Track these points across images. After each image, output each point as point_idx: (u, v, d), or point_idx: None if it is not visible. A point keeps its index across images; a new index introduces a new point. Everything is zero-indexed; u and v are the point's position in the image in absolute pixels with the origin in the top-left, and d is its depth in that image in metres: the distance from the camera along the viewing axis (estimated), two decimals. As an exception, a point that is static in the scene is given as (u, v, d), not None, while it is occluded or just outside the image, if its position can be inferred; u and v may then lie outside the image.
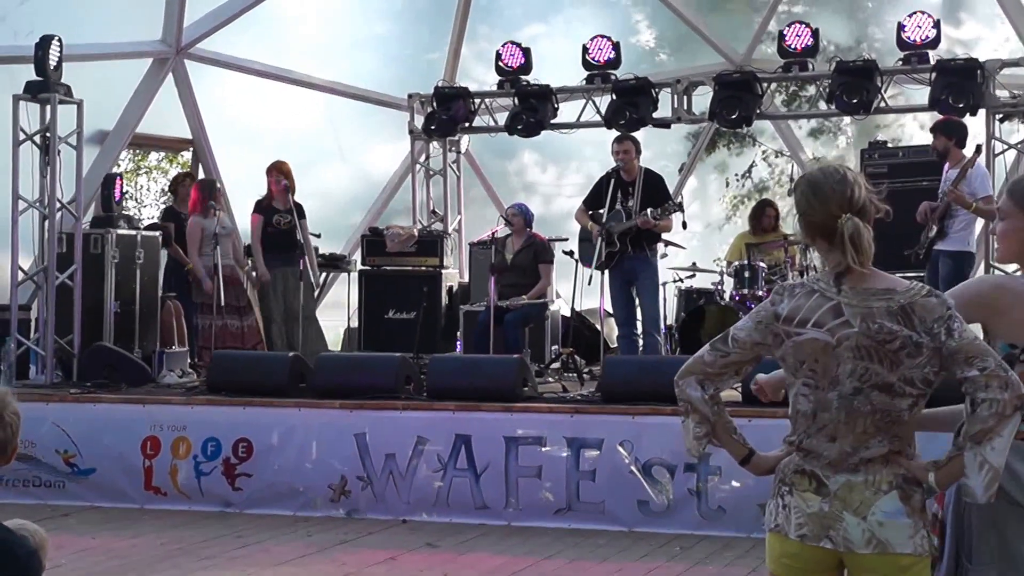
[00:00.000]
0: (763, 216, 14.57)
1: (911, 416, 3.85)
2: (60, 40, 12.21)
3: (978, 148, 11.66)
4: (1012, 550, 4.03)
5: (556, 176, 18.88)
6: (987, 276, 4.10)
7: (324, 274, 15.31)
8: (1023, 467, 3.98)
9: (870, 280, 3.87)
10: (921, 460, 3.87)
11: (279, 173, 13.23)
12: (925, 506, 3.88)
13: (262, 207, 13.27)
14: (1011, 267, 4.47)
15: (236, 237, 13.50)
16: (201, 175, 15.53)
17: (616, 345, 12.86)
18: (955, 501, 4.06)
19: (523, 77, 14.35)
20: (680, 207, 12.27)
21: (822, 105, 14.09)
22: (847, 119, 18.29)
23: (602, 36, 14.20)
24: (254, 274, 13.64)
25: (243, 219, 13.73)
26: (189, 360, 13.24)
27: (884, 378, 3.81)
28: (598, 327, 13.27)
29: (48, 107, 12.31)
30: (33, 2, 12.95)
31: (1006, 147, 12.86)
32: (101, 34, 13.81)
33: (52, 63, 12.12)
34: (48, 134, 12.33)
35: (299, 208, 13.35)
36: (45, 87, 12.19)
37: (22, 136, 12.25)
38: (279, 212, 13.10)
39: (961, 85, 12.57)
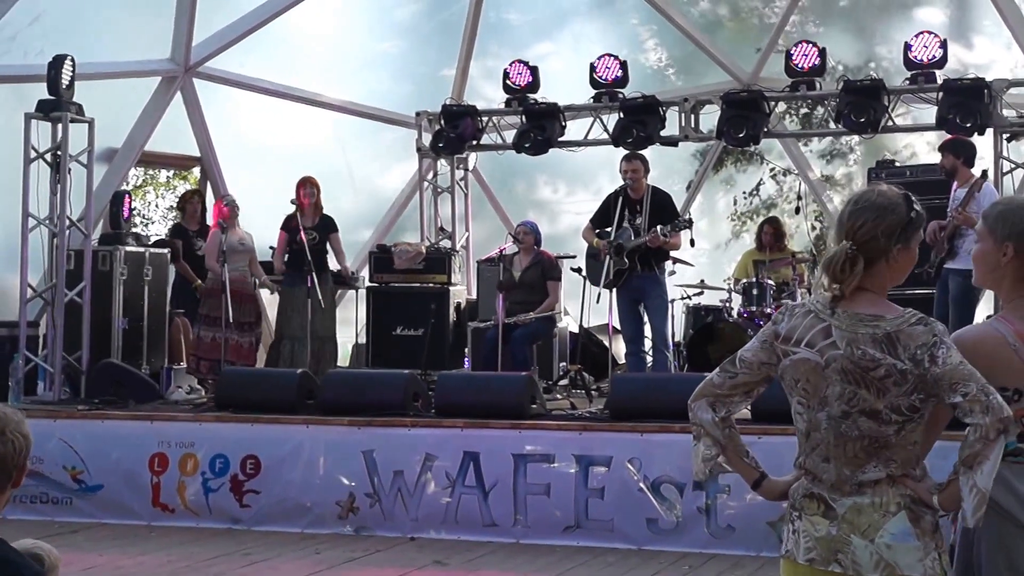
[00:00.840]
0: (761, 234, 14.58)
1: (898, 440, 3.82)
2: (73, 59, 12.26)
3: (984, 173, 11.62)
4: (1021, 573, 3.98)
5: (563, 194, 18.87)
6: (956, 337, 4.04)
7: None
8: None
9: (863, 305, 3.88)
10: (929, 481, 3.85)
11: (311, 187, 13.23)
12: (937, 528, 3.85)
13: (289, 225, 13.25)
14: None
15: (254, 254, 13.43)
16: (209, 192, 15.57)
17: (624, 362, 12.83)
18: (961, 529, 4.03)
19: (531, 95, 14.37)
20: (690, 224, 12.27)
21: (831, 125, 14.06)
22: (856, 139, 18.30)
23: (610, 55, 14.23)
24: (269, 289, 13.64)
25: (252, 234, 13.68)
26: (185, 368, 13.24)
27: (871, 404, 3.80)
28: (606, 344, 13.26)
29: (60, 126, 12.36)
30: (44, 22, 12.99)
31: (1013, 166, 12.85)
32: (110, 53, 13.82)
33: (65, 82, 12.18)
34: (59, 152, 12.38)
35: (330, 222, 13.36)
36: (57, 106, 12.25)
37: (33, 154, 12.29)
38: (305, 228, 13.05)
39: (968, 104, 12.56)
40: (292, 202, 13.10)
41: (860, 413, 3.81)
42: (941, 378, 3.72)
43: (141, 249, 13.42)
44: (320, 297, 12.99)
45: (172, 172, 25.44)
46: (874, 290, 3.90)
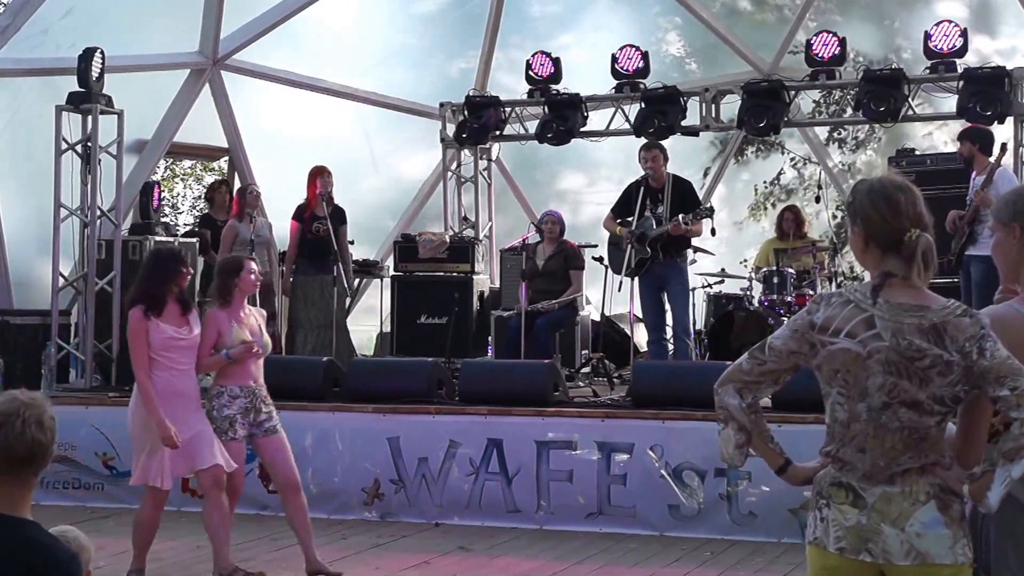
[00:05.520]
0: (782, 221, 14.54)
1: (938, 432, 3.82)
2: (103, 52, 12.30)
3: (1003, 146, 11.60)
4: None
5: (585, 184, 18.85)
6: (985, 311, 4.02)
7: (357, 280, 15.26)
8: None
9: (907, 295, 3.85)
10: (958, 470, 3.83)
11: (321, 176, 13.22)
12: (964, 515, 3.84)
13: (301, 214, 13.25)
14: None
15: (272, 246, 13.44)
16: (237, 183, 15.59)
17: (646, 350, 12.83)
18: (971, 514, 4.00)
19: (553, 86, 14.34)
20: (711, 212, 12.23)
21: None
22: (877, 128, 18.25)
23: (631, 45, 14.20)
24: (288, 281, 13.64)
25: (277, 225, 13.70)
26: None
27: (913, 395, 3.79)
28: (628, 332, 13.25)
29: (90, 117, 12.41)
30: (75, 16, 13.02)
31: (1033, 154, 12.78)
32: (140, 46, 13.85)
33: (95, 74, 12.23)
34: (89, 144, 12.43)
35: (341, 213, 13.36)
36: (87, 98, 12.30)
37: (64, 146, 12.35)
38: (318, 218, 13.04)
39: (988, 93, 12.51)
40: (320, 195, 13.01)
41: (901, 404, 3.79)
42: (988, 371, 3.71)
43: (170, 239, 13.43)
44: (346, 285, 13.00)
45: (196, 162, 25.46)
46: (923, 279, 3.87)
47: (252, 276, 8.29)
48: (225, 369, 8.21)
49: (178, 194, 28.60)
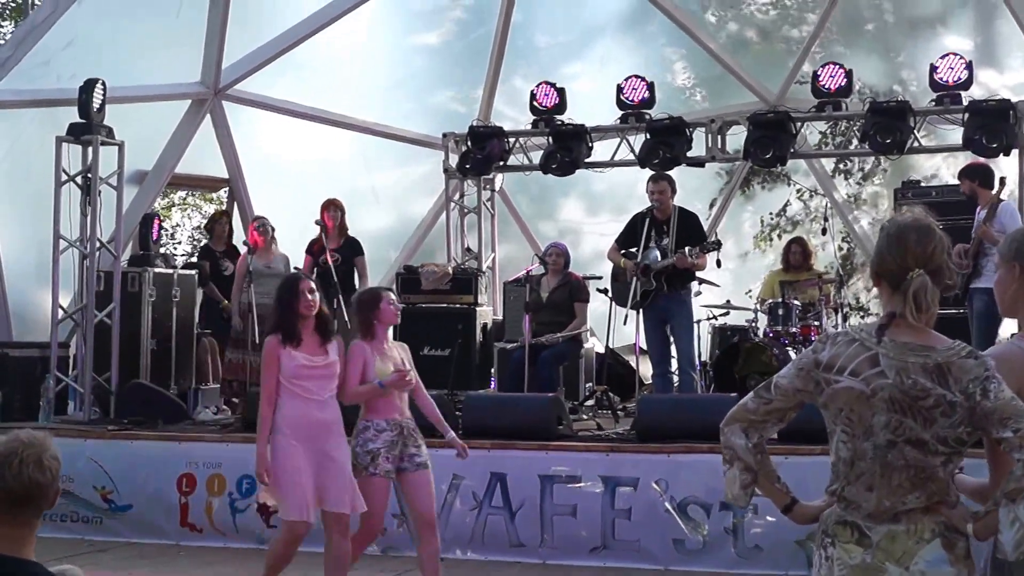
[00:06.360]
0: (788, 254, 14.58)
1: (944, 472, 3.82)
2: (104, 83, 12.36)
3: (1002, 180, 11.66)
4: None
5: (587, 215, 18.90)
6: (988, 352, 4.02)
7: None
8: None
9: (912, 335, 3.85)
10: (963, 509, 3.84)
11: (335, 209, 13.29)
12: (970, 553, 3.83)
13: (312, 248, 13.30)
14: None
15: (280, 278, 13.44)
16: (236, 213, 15.64)
17: (651, 382, 12.83)
18: (992, 560, 4.00)
19: (557, 116, 14.38)
20: (718, 246, 12.25)
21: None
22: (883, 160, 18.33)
23: (636, 76, 14.23)
24: None
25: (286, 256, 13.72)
26: (219, 389, 13.30)
27: (917, 434, 3.79)
28: (632, 364, 13.25)
29: (90, 148, 12.47)
30: (76, 47, 13.09)
31: (1040, 187, 12.83)
32: (141, 76, 13.92)
33: (96, 105, 12.30)
34: (89, 175, 12.49)
35: (355, 244, 13.45)
36: (88, 129, 12.38)
37: (64, 177, 12.41)
38: (330, 250, 13.08)
39: (994, 126, 12.57)
40: (317, 223, 13.14)
41: (906, 443, 3.79)
42: (992, 412, 3.71)
43: (170, 270, 13.49)
44: (347, 319, 13.01)
45: (195, 192, 25.49)
46: (928, 318, 3.87)
47: (391, 307, 8.19)
48: (372, 403, 8.05)
49: (176, 224, 28.66)
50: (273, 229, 13.41)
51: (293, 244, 13.66)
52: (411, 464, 8.07)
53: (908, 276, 3.85)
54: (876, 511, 3.84)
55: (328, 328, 8.05)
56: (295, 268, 13.64)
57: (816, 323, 12.95)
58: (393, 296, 8.32)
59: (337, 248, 13.21)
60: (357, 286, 13.67)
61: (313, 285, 8.06)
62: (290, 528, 7.96)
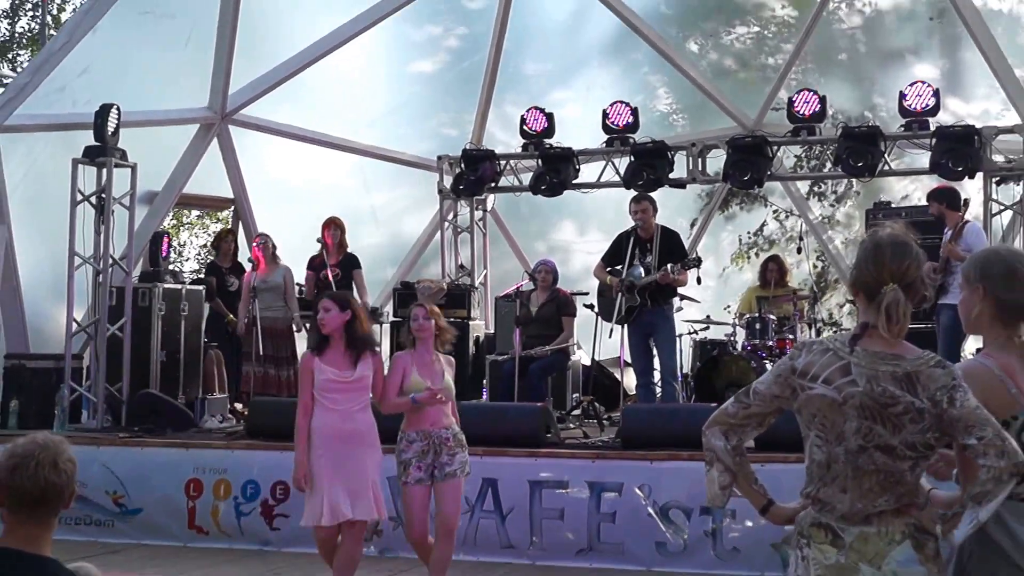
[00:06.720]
0: (766, 271, 14.64)
1: (912, 476, 3.84)
2: (118, 108, 12.41)
3: (966, 201, 11.74)
4: None
5: (576, 234, 18.93)
6: (957, 366, 4.05)
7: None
8: (1016, 524, 3.95)
9: (883, 344, 3.87)
10: (932, 510, 3.86)
11: (335, 227, 13.34)
12: (939, 553, 3.86)
13: (313, 263, 13.35)
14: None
15: (287, 291, 13.48)
16: (241, 232, 15.67)
17: (635, 393, 12.85)
18: (956, 560, 4.01)
19: (546, 140, 14.43)
20: (698, 263, 12.29)
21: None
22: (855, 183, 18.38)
23: (621, 102, 14.30)
24: (296, 326, 13.69)
25: (287, 268, 13.75)
26: (228, 403, 13.33)
27: (887, 440, 3.81)
28: (617, 376, 13.28)
29: (104, 170, 12.52)
30: (92, 73, 13.13)
31: (1002, 208, 12.92)
32: (152, 102, 13.97)
33: (110, 129, 12.35)
34: (103, 195, 12.54)
35: (352, 259, 13.48)
36: (103, 152, 12.43)
37: (79, 197, 12.45)
38: (331, 265, 13.13)
39: (960, 150, 12.64)
40: (318, 240, 13.21)
41: (876, 448, 3.81)
42: (958, 420, 3.73)
43: (178, 286, 13.52)
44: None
45: (204, 212, 25.50)
46: (900, 330, 3.88)
47: (416, 322, 8.20)
48: (408, 414, 8.12)
49: (184, 242, 28.68)
50: (274, 246, 13.48)
51: (296, 261, 13.70)
52: (440, 474, 8.10)
53: (883, 290, 3.87)
54: (849, 513, 3.85)
55: (358, 344, 8.05)
56: (298, 284, 13.72)
57: (791, 336, 13.01)
58: (422, 310, 8.31)
59: (336, 263, 13.27)
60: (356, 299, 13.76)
61: (330, 304, 8.11)
62: (315, 534, 8.09)
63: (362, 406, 8.05)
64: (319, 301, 8.21)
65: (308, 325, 13.52)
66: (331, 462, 7.89)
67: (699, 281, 12.46)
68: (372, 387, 8.09)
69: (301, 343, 13.51)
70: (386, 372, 8.28)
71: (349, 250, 13.59)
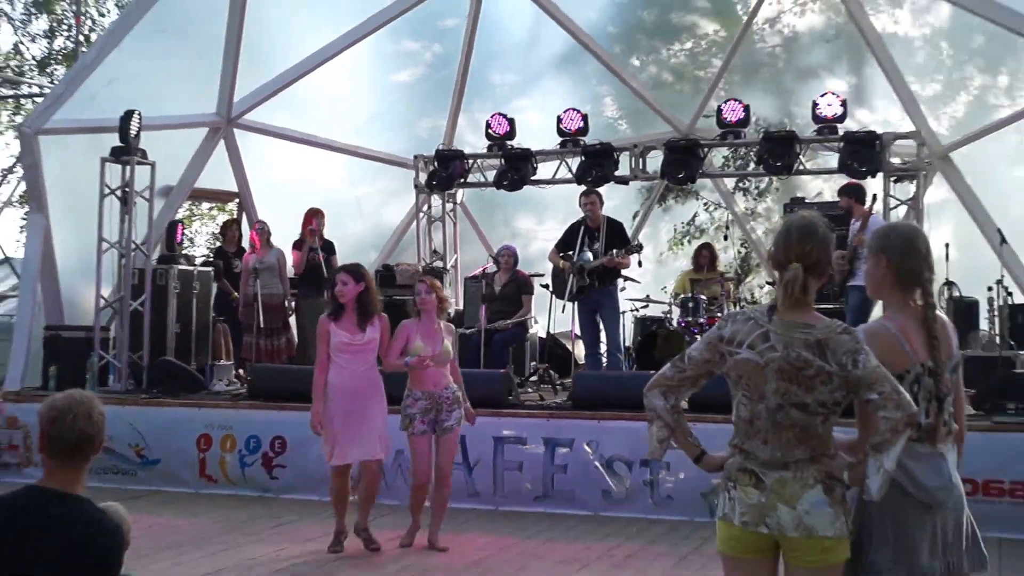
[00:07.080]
0: (699, 256, 14.70)
1: (824, 429, 3.89)
2: (140, 114, 12.40)
3: (874, 197, 11.85)
4: (904, 534, 4.02)
5: (534, 223, 18.96)
6: (860, 327, 4.13)
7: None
8: (912, 464, 3.99)
9: (797, 314, 3.92)
10: (841, 459, 3.92)
11: (316, 217, 13.33)
12: (845, 497, 3.92)
13: (300, 246, 13.34)
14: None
15: (280, 270, 13.47)
16: (245, 222, 15.65)
17: (584, 362, 12.93)
18: (859, 494, 4.05)
19: (508, 142, 14.35)
20: (640, 248, 12.37)
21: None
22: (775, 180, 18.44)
23: (573, 109, 14.22)
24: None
25: (280, 250, 13.73)
26: (234, 369, 13.34)
27: (801, 398, 3.86)
28: (569, 347, 13.33)
29: (128, 168, 12.50)
30: (118, 84, 13.10)
31: (899, 203, 13.02)
32: (169, 108, 13.92)
33: (133, 132, 12.35)
34: (127, 189, 12.52)
35: (330, 245, 13.43)
36: (126, 151, 12.42)
37: (106, 191, 12.44)
38: (313, 249, 13.15)
39: (863, 153, 12.65)
40: (311, 230, 13.13)
41: (792, 405, 3.86)
42: (861, 379, 3.79)
43: (190, 268, 13.52)
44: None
45: (213, 204, 25.41)
46: (806, 302, 3.95)
47: (419, 296, 8.40)
48: (413, 375, 8.32)
49: (195, 230, 28.58)
50: (270, 231, 13.48)
51: (288, 244, 13.68)
52: (440, 429, 8.37)
53: (788, 267, 3.93)
54: (769, 460, 3.91)
55: (365, 312, 8.24)
56: (292, 267, 13.71)
57: (719, 314, 13.04)
58: (423, 285, 8.46)
59: (316, 249, 13.20)
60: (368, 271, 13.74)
61: (348, 277, 8.26)
62: (333, 471, 8.38)
63: (369, 365, 8.28)
64: (337, 274, 8.38)
65: (296, 301, 13.53)
66: (342, 412, 8.14)
67: (640, 264, 12.52)
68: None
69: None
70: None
71: (327, 238, 13.56)
